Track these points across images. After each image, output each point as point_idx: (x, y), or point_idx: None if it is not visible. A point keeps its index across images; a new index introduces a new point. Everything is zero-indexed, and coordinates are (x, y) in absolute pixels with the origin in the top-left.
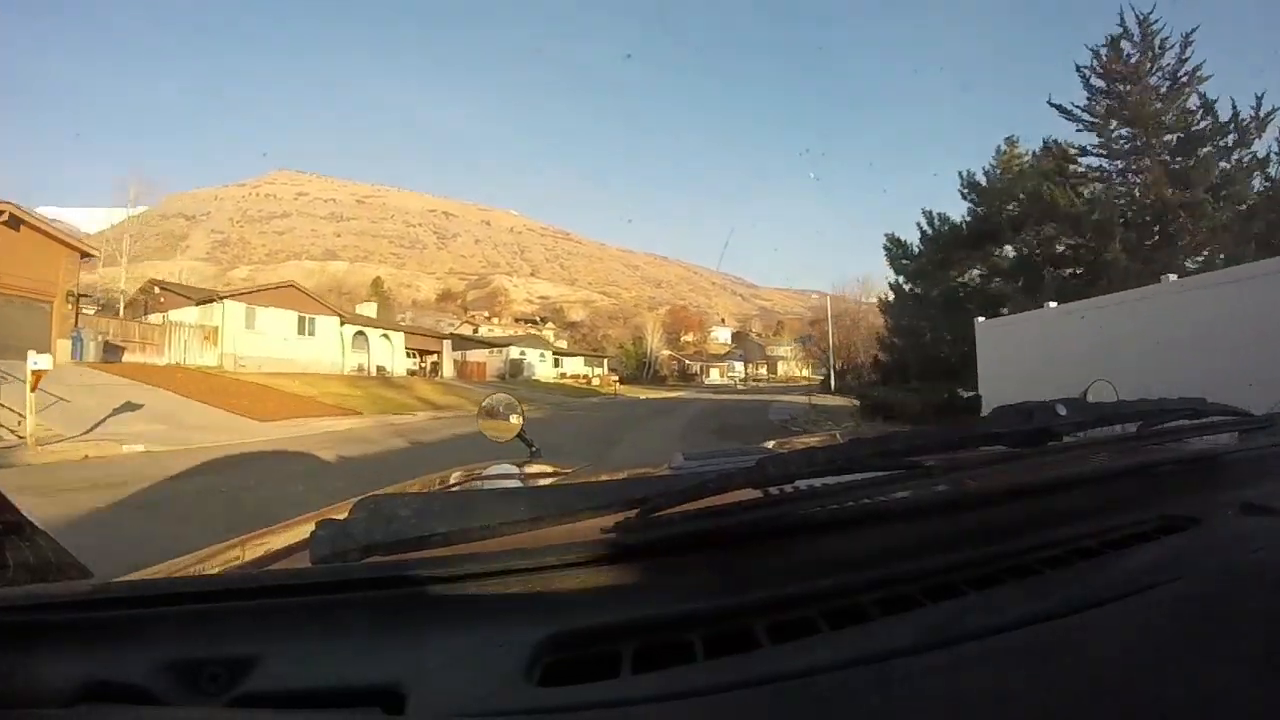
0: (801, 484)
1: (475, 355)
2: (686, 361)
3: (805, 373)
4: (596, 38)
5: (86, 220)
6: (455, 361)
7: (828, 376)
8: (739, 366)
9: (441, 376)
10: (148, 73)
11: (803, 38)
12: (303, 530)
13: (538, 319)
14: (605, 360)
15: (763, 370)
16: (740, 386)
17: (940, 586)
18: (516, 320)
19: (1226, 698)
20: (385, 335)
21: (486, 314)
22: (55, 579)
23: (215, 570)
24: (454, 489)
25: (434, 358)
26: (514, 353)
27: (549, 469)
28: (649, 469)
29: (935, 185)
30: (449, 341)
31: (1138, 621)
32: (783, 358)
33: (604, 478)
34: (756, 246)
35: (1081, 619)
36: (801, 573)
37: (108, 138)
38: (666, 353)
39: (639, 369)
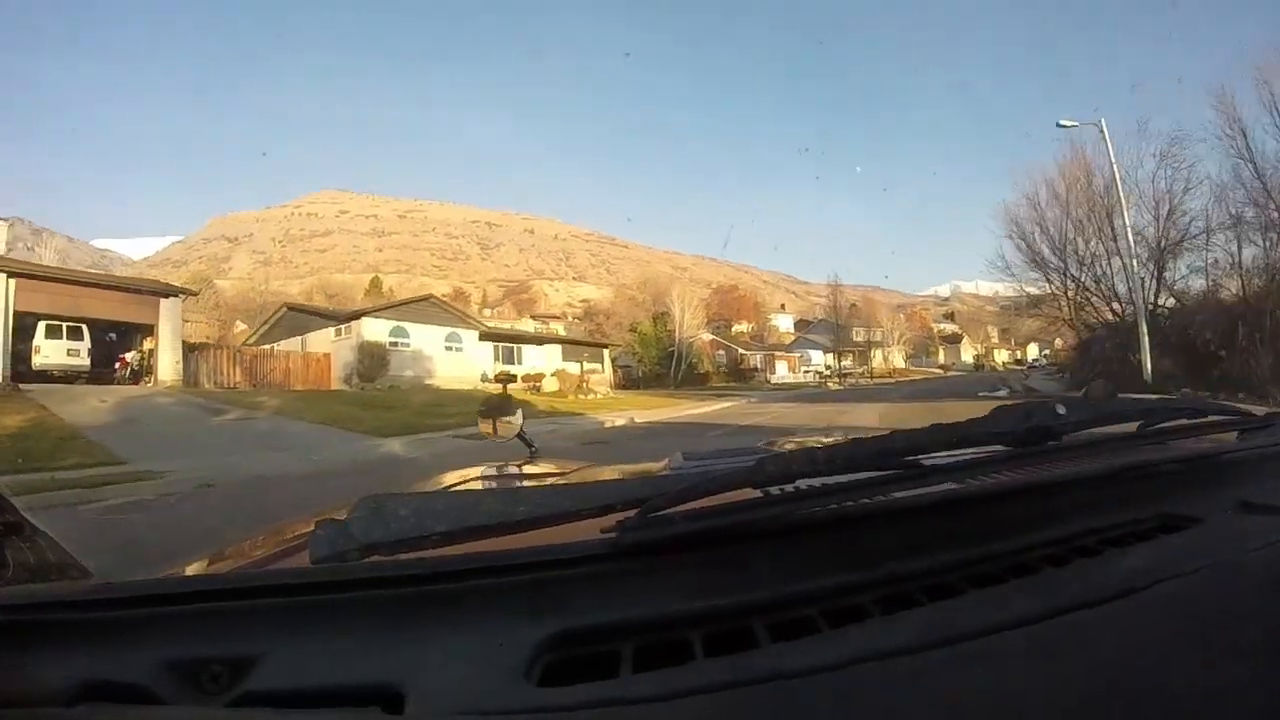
0: (801, 483)
1: (318, 339)
2: (741, 351)
3: (901, 362)
4: (638, 47)
5: (136, 248)
6: (232, 353)
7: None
8: (816, 357)
9: (153, 381)
10: (192, 104)
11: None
12: (303, 530)
13: (564, 315)
14: (606, 350)
15: (845, 362)
16: (836, 386)
17: (940, 585)
18: (534, 317)
19: (1226, 696)
20: None
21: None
22: (55, 579)
23: (215, 570)
24: (454, 489)
25: (150, 342)
26: (372, 332)
27: (549, 469)
28: (649, 469)
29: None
30: (171, 301)
31: (1137, 620)
32: (878, 344)
33: (604, 477)
34: (806, 243)
35: (1081, 617)
36: (801, 572)
37: (155, 168)
38: (707, 337)
39: (663, 362)
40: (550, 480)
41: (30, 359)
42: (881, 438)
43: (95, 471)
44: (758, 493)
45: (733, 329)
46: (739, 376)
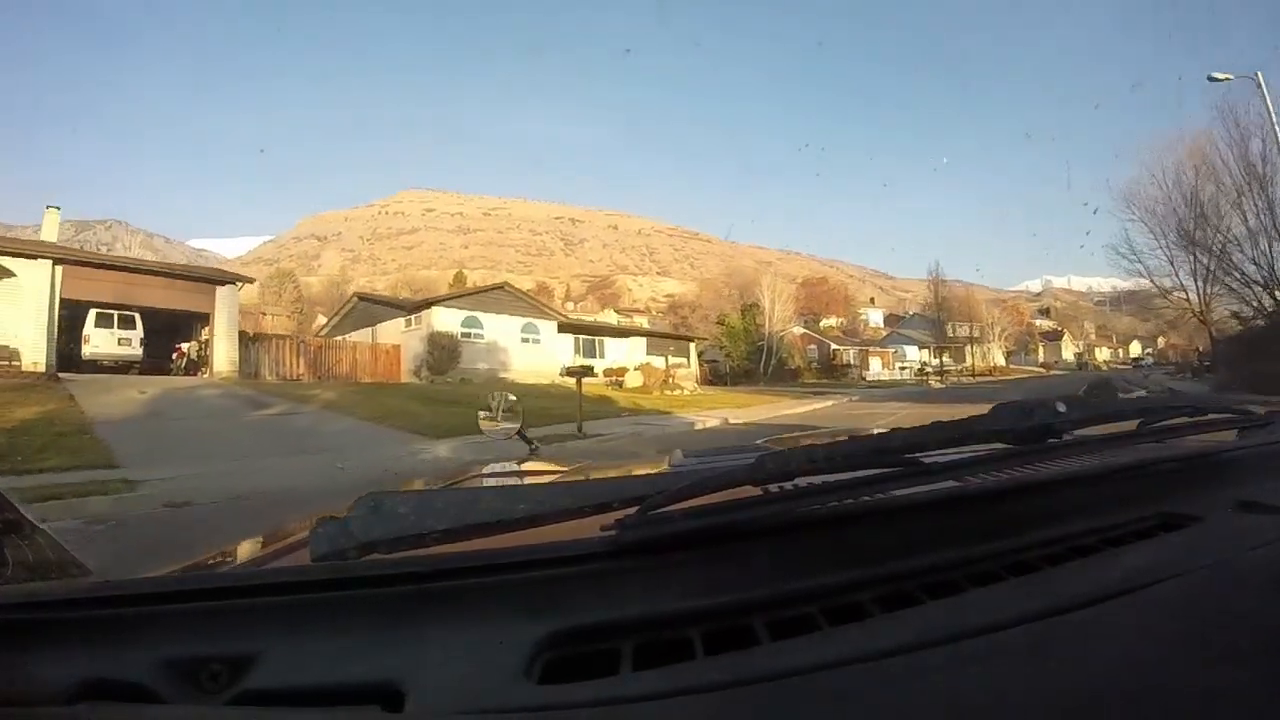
0: (801, 481)
1: (388, 330)
2: (833, 346)
3: (1001, 359)
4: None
5: (230, 248)
6: (295, 344)
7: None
8: (911, 353)
9: (210, 372)
10: (280, 107)
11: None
12: (303, 529)
13: (648, 309)
14: (692, 344)
15: (943, 359)
16: (938, 384)
17: (940, 584)
18: (618, 311)
19: (1225, 695)
20: None
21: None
22: (55, 577)
23: (215, 568)
24: (454, 486)
25: (205, 331)
26: (442, 322)
27: (548, 467)
28: (649, 467)
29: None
30: (227, 289)
31: (1137, 619)
32: (976, 339)
33: (604, 476)
34: (894, 237)
35: (1081, 616)
36: (801, 570)
37: (248, 170)
38: (799, 331)
39: (751, 356)
40: (550, 478)
41: (81, 348)
42: (881, 435)
43: (62, 479)
44: (757, 490)
45: (820, 323)
46: (830, 372)
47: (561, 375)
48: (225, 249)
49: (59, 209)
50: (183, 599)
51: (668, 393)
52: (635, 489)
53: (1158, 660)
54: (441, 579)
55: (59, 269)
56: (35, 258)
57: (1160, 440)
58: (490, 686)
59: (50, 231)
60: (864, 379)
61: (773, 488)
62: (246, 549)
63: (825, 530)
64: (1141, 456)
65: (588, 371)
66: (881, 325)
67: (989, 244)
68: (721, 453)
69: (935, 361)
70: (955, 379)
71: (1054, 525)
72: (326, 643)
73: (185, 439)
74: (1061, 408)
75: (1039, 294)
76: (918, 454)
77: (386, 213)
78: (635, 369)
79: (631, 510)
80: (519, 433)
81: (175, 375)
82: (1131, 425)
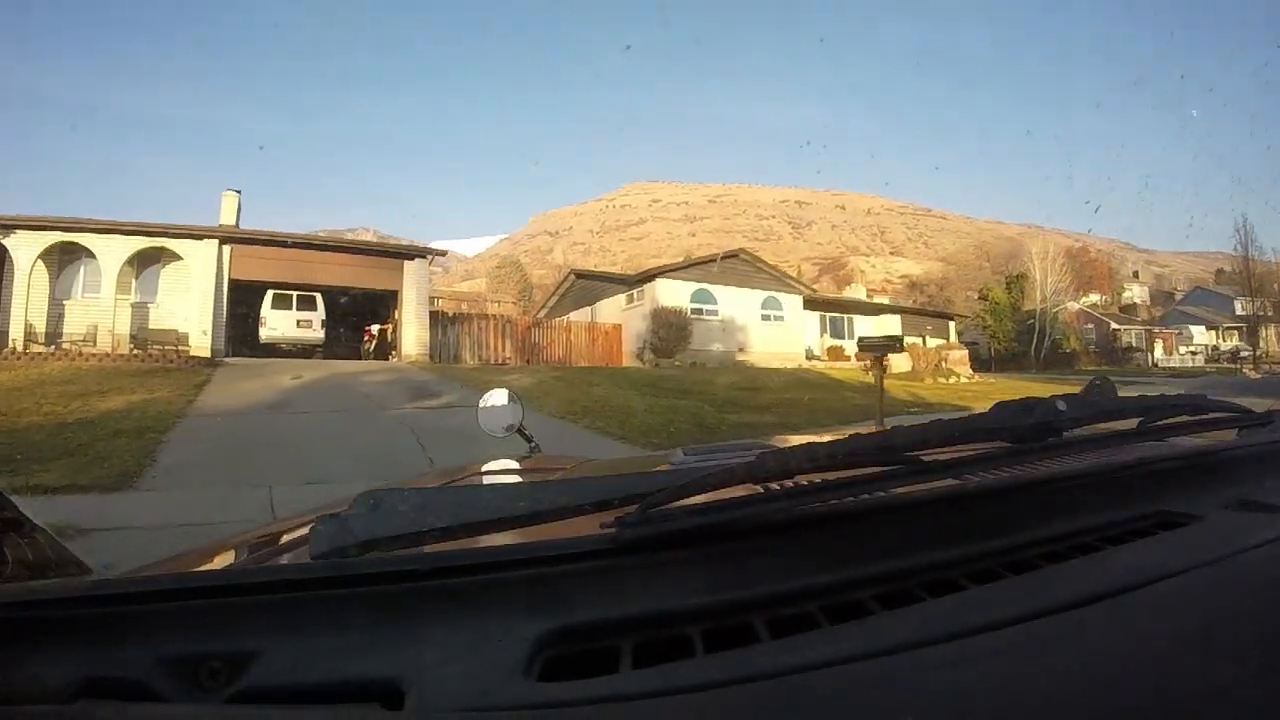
0: (801, 479)
1: (608, 308)
2: (1114, 326)
3: None
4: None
5: (470, 247)
6: (499, 324)
7: None
8: (1199, 335)
9: (399, 356)
10: (512, 113)
11: None
12: (303, 526)
13: (885, 290)
14: (952, 323)
15: (1231, 342)
16: (1252, 374)
17: (940, 582)
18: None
19: (1224, 694)
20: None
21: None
22: (54, 575)
23: (215, 565)
24: (454, 484)
25: (397, 311)
26: (668, 296)
27: (548, 464)
28: (650, 464)
29: None
30: (417, 264)
31: (1136, 617)
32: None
33: (604, 473)
34: (1145, 204)
35: (1080, 614)
36: (801, 568)
37: (483, 174)
38: (1074, 307)
39: (1019, 337)
40: (550, 475)
41: (258, 331)
42: (882, 433)
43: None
44: (758, 488)
45: (1079, 300)
46: (1110, 357)
47: (809, 359)
48: (465, 249)
49: (239, 192)
50: (182, 596)
51: (940, 380)
52: (635, 486)
53: (1157, 658)
54: (441, 576)
55: (226, 249)
56: (201, 238)
57: (1160, 439)
58: (490, 684)
59: (228, 215)
60: (1156, 365)
61: (773, 485)
62: (246, 546)
63: (825, 528)
64: (1141, 455)
65: (895, 345)
66: (1147, 301)
67: (1240, 208)
68: (722, 450)
69: (1228, 345)
70: (1270, 368)
71: (1054, 523)
72: (326, 640)
73: (279, 442)
74: (1061, 405)
75: None
76: (918, 452)
77: (614, 206)
78: (944, 349)
79: (631, 507)
80: (519, 429)
81: (366, 359)
82: (1131, 424)
